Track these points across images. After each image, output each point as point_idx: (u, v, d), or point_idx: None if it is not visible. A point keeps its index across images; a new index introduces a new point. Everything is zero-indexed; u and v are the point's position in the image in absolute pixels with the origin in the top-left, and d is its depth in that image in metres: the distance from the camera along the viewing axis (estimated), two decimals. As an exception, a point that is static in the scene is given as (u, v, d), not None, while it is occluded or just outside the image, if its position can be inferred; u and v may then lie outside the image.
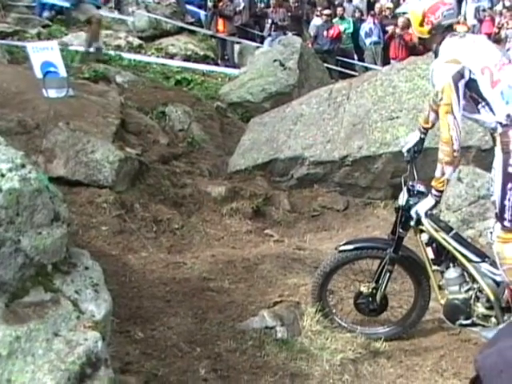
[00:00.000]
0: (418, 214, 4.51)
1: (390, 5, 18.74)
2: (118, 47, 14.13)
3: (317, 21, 17.04)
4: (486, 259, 4.51)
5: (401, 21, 16.11)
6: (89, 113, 7.51)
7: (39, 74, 7.26)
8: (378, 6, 18.55)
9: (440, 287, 4.68)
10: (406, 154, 4.95)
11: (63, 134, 6.81)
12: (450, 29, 4.44)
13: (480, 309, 4.53)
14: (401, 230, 4.69)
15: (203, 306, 5.01)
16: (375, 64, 16.26)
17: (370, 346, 4.82)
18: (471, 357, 4.75)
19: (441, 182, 4.33)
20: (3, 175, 3.14)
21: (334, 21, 17.08)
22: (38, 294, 3.19)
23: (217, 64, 15.88)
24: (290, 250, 6.44)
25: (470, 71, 4.24)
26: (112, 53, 12.66)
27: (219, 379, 4.15)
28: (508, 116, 4.23)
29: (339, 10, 17.92)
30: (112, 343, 3.79)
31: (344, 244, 4.97)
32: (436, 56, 4.46)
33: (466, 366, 4.65)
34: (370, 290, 4.87)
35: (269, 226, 7.30)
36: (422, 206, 4.48)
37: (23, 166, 3.30)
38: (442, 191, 4.39)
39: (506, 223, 4.18)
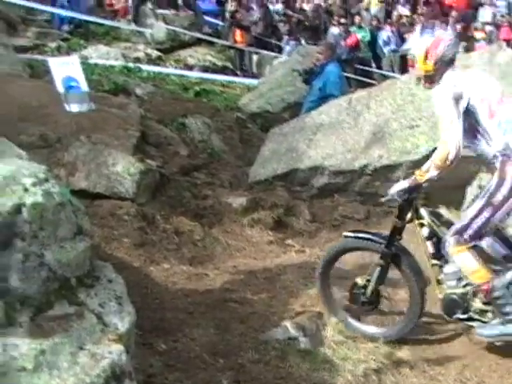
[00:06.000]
0: (389, 195, 4.71)
1: (408, 12, 18.75)
2: (137, 59, 14.24)
3: (334, 30, 17.04)
4: None
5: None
6: (109, 125, 7.55)
7: (61, 89, 7.32)
8: (395, 13, 18.55)
9: (439, 282, 4.76)
10: None
11: (84, 147, 6.86)
12: (452, 62, 4.59)
13: (477, 304, 4.62)
14: (397, 220, 4.75)
15: (225, 317, 5.01)
16: (393, 72, 16.27)
17: (393, 355, 4.78)
18: (494, 366, 4.73)
19: (422, 176, 4.55)
20: (27, 190, 3.18)
21: (351, 29, 17.09)
22: (63, 308, 3.21)
23: (235, 74, 15.97)
24: (311, 260, 6.41)
25: (469, 99, 4.39)
26: (131, 65, 12.74)
27: (242, 390, 4.15)
28: (506, 145, 4.39)
29: (357, 19, 17.93)
30: (135, 355, 3.81)
31: (350, 231, 5.16)
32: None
33: (490, 375, 4.62)
34: (364, 282, 4.92)
35: (290, 237, 7.26)
36: (394, 187, 4.68)
37: (46, 180, 3.34)
38: (419, 184, 4.56)
39: (466, 236, 4.41)
